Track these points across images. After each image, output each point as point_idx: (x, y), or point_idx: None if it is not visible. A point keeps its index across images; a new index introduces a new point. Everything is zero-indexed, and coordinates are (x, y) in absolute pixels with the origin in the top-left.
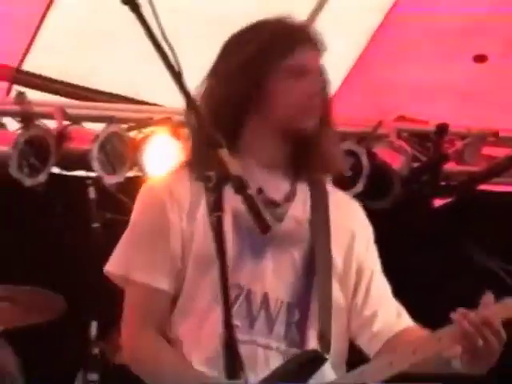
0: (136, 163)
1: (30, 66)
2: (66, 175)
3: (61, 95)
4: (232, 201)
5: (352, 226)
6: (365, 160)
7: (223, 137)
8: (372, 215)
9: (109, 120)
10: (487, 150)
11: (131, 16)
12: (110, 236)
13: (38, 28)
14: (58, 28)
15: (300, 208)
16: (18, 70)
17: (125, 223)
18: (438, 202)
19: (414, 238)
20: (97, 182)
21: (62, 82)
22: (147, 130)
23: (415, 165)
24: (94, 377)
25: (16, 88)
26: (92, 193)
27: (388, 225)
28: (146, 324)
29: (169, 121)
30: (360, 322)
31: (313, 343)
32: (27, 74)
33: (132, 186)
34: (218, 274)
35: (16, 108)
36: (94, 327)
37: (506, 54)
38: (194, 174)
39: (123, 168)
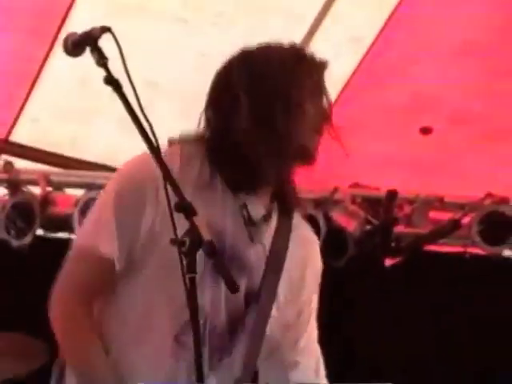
0: None
1: (16, 136)
2: (49, 237)
3: (45, 163)
4: (213, 212)
5: (305, 268)
6: (322, 223)
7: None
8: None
9: (88, 186)
10: (433, 214)
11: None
12: None
13: (25, 101)
14: (44, 102)
15: (265, 237)
16: (6, 141)
17: None
18: (388, 262)
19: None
20: None
21: (45, 152)
22: None
23: (368, 227)
24: None
25: (4, 157)
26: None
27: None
28: (80, 297)
29: None
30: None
31: (237, 369)
32: (14, 144)
33: None
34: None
35: (4, 176)
36: None
37: (449, 126)
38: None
39: None
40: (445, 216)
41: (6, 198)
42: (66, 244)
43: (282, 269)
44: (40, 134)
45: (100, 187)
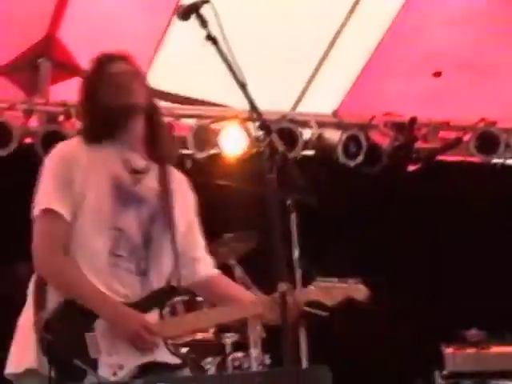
0: (216, 145)
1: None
2: None
3: (168, 101)
4: (114, 169)
5: (186, 197)
6: (363, 141)
7: (99, 136)
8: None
9: (198, 117)
10: (442, 134)
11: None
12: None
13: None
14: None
15: (151, 180)
16: None
17: (211, 185)
18: (410, 168)
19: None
20: (191, 157)
21: (167, 93)
22: (223, 123)
23: (396, 144)
24: None
25: None
26: (188, 164)
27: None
28: (58, 243)
29: (237, 117)
30: (184, 261)
31: (154, 275)
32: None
33: (214, 160)
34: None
35: None
36: None
37: (455, 71)
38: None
39: (208, 148)
40: (451, 135)
41: None
42: (182, 158)
43: (171, 197)
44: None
45: (207, 117)
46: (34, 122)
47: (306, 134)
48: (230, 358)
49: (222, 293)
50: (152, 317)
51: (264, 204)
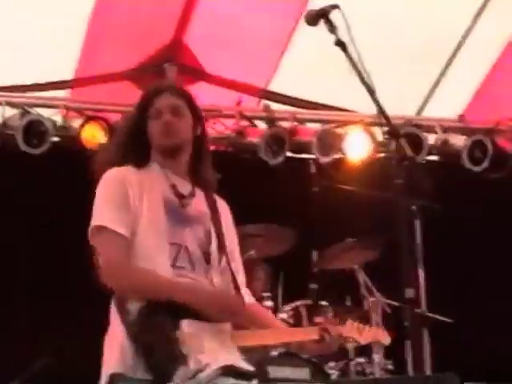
0: (340, 149)
1: (272, 86)
2: (295, 157)
3: (292, 106)
4: (163, 192)
5: (228, 224)
6: (489, 146)
7: (144, 160)
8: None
9: (323, 121)
10: None
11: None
12: (325, 196)
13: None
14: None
15: (199, 204)
16: (265, 90)
17: (334, 189)
18: None
19: None
20: (316, 161)
21: (292, 97)
22: (348, 127)
23: None
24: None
25: (263, 101)
26: (313, 168)
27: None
28: (126, 260)
29: (362, 121)
30: None
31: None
32: (270, 92)
33: (338, 164)
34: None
35: (264, 114)
36: (314, 255)
37: None
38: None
39: (332, 152)
40: None
41: (266, 130)
42: (307, 162)
43: (220, 221)
44: (287, 86)
45: (330, 122)
46: None
47: (431, 138)
48: (352, 362)
49: (262, 320)
50: (225, 327)
51: (388, 209)
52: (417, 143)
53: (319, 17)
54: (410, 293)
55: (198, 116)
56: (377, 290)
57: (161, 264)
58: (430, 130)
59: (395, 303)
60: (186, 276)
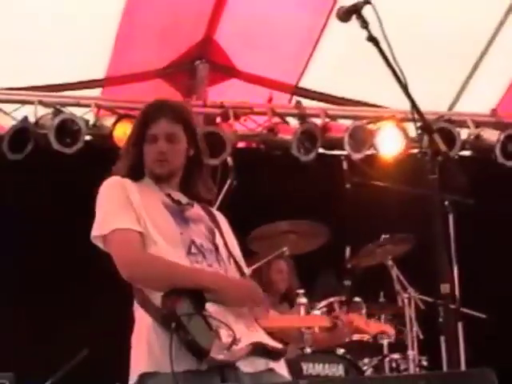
0: (372, 145)
1: (303, 83)
2: (327, 153)
3: (324, 102)
4: (161, 198)
5: (229, 234)
6: None
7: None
8: None
9: (355, 117)
10: None
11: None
12: (357, 193)
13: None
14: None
15: (198, 210)
16: (296, 86)
17: (367, 185)
18: None
19: None
20: (348, 157)
21: (324, 94)
22: (380, 123)
23: None
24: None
25: (295, 98)
26: (345, 165)
27: None
28: (141, 249)
29: (393, 117)
30: None
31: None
32: (301, 89)
33: (370, 161)
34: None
35: (295, 111)
36: (348, 251)
37: None
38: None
39: (364, 148)
40: None
41: (297, 126)
42: (339, 158)
43: (221, 227)
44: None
45: (362, 118)
46: None
47: (464, 133)
48: (387, 359)
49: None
50: (245, 310)
51: (422, 205)
52: (449, 138)
53: (351, 13)
54: (445, 288)
55: (193, 137)
56: (410, 285)
57: (177, 253)
58: (463, 124)
59: (429, 299)
60: (202, 263)
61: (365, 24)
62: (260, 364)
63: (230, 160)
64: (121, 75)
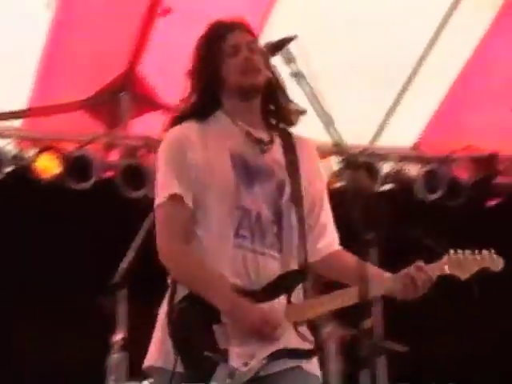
0: None
1: None
2: None
3: None
4: (232, 144)
5: (313, 169)
6: (443, 175)
7: (210, 109)
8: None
9: None
10: None
11: None
12: None
13: None
14: None
15: (276, 152)
16: None
17: None
18: (491, 201)
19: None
20: None
21: None
22: None
23: (476, 178)
24: None
25: None
26: None
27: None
28: (175, 236)
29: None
30: (310, 238)
31: (287, 249)
32: None
33: None
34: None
35: None
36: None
37: None
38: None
39: None
40: None
41: None
42: None
43: (298, 168)
44: None
45: None
46: (114, 156)
47: (385, 168)
48: None
49: (348, 268)
50: (280, 302)
51: (345, 239)
52: (371, 172)
53: (277, 48)
54: (367, 323)
55: (266, 55)
56: (333, 318)
57: (224, 235)
58: (385, 158)
59: (352, 332)
60: (245, 248)
61: (289, 60)
62: (281, 364)
63: (152, 193)
64: (43, 106)
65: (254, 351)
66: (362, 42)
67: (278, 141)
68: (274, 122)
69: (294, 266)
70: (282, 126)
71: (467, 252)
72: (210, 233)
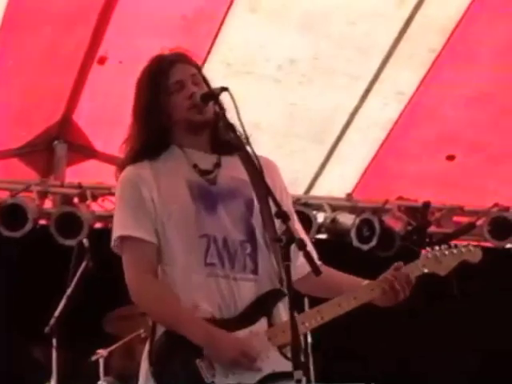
0: None
1: None
2: None
3: None
4: (186, 175)
5: (277, 185)
6: (377, 225)
7: (160, 147)
8: (381, 261)
9: None
10: (456, 219)
11: None
12: None
13: None
14: None
15: (239, 170)
16: None
17: None
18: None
19: None
20: None
21: None
22: None
23: (409, 228)
24: None
25: None
26: None
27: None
28: (144, 269)
29: None
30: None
31: (263, 268)
32: None
33: None
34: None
35: None
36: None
37: (467, 154)
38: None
39: None
40: (464, 220)
41: None
42: None
43: (267, 188)
44: None
45: None
46: (48, 204)
47: (320, 217)
48: None
49: (333, 283)
50: (261, 325)
51: None
52: (306, 221)
53: (209, 98)
54: (297, 374)
55: (206, 81)
56: None
57: (191, 265)
58: (319, 208)
59: None
60: (217, 275)
61: (222, 111)
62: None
63: (85, 241)
64: None
65: (241, 380)
66: (298, 96)
67: (232, 161)
68: (225, 146)
69: (272, 285)
70: (235, 147)
71: (443, 247)
72: (176, 265)
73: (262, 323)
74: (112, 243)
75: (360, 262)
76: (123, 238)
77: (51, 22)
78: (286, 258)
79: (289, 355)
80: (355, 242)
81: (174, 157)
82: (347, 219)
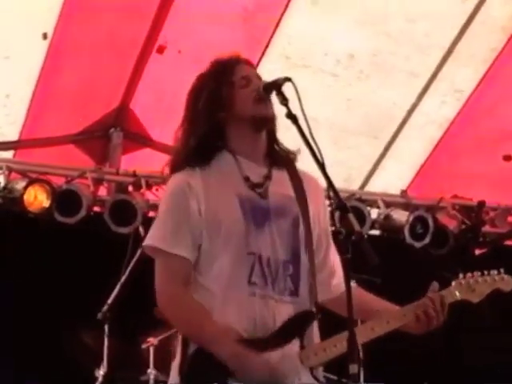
0: None
1: None
2: None
3: None
4: (237, 188)
5: (319, 204)
6: (431, 223)
7: (213, 151)
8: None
9: None
10: (510, 219)
11: None
12: None
13: None
14: None
15: (285, 186)
16: None
17: None
18: (477, 252)
19: None
20: None
21: None
22: None
23: (463, 227)
24: None
25: None
26: None
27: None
28: (176, 282)
29: None
30: (320, 275)
31: (304, 290)
32: None
33: None
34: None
35: None
36: None
37: None
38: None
39: None
40: None
41: None
42: None
43: (309, 213)
44: None
45: None
46: (103, 191)
47: (374, 213)
48: None
49: (366, 304)
50: (293, 347)
51: None
52: (360, 217)
53: (271, 89)
54: (353, 368)
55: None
56: None
57: (238, 281)
58: (373, 204)
59: (336, 378)
60: (258, 294)
61: (284, 101)
62: None
63: (141, 229)
64: (34, 138)
65: None
66: (353, 92)
67: (281, 175)
68: (276, 158)
69: (309, 306)
70: (284, 162)
71: (476, 274)
72: (220, 281)
73: (295, 345)
74: (144, 244)
75: (412, 259)
76: (158, 249)
77: (111, 10)
78: (344, 250)
79: (320, 378)
80: (408, 239)
81: (226, 165)
82: (401, 216)
